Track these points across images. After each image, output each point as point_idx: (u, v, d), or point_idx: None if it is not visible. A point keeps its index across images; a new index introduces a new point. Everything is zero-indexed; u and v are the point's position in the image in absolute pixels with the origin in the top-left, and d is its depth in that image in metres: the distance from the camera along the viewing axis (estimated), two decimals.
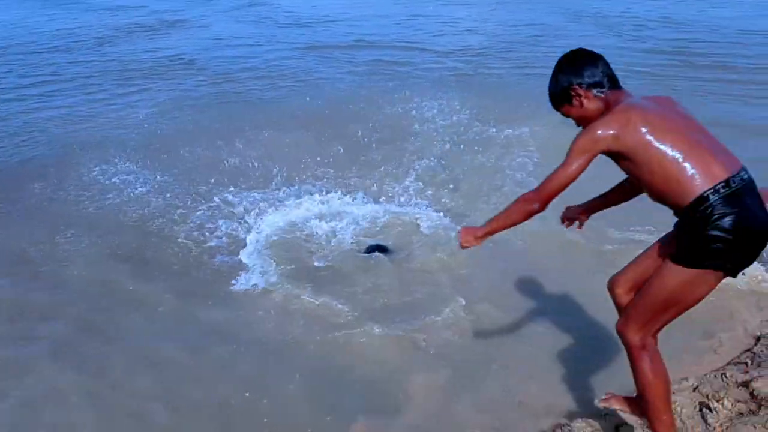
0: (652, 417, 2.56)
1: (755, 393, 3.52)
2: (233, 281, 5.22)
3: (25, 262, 5.68)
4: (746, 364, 3.98)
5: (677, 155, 2.25)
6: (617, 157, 2.44)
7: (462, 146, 8.14)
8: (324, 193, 6.84)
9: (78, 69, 12.81)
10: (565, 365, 4.16)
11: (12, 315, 4.87)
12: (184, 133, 9.04)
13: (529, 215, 2.52)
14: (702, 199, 2.21)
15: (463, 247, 2.68)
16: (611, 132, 2.35)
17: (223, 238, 5.95)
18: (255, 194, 6.88)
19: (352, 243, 5.86)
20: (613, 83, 2.57)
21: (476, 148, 8.15)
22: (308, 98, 10.63)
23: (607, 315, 4.62)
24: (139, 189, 7.06)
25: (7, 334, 4.66)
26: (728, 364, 4.08)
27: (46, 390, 4.05)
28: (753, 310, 4.72)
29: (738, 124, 8.73)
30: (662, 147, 2.26)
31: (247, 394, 3.93)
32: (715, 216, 2.19)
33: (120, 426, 3.78)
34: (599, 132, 2.38)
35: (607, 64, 2.61)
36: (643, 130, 2.30)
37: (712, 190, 2.19)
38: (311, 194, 6.80)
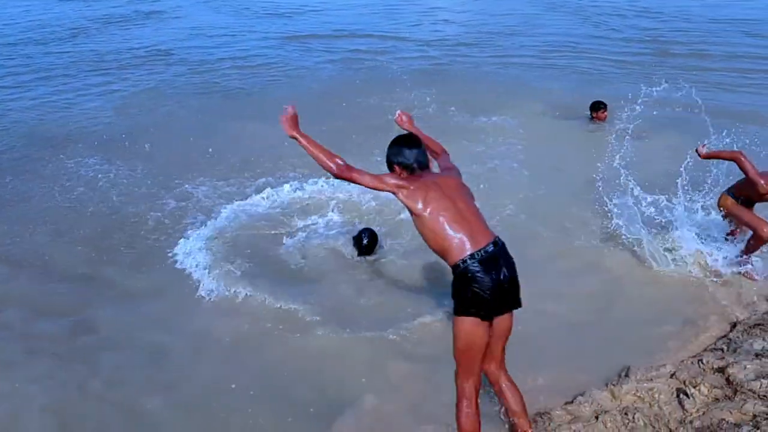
0: None
1: (731, 379, 3.57)
2: (207, 278, 5.09)
3: (3, 256, 5.58)
4: (722, 350, 4.03)
5: (445, 229, 3.01)
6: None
7: (444, 135, 8.09)
8: (303, 184, 6.74)
9: (53, 60, 12.55)
10: (545, 356, 4.17)
11: None
12: (160, 124, 8.92)
13: (326, 169, 3.10)
14: (457, 265, 2.96)
15: (280, 122, 3.18)
16: (404, 190, 3.10)
17: (197, 233, 5.81)
18: (230, 188, 6.78)
19: (336, 232, 5.78)
20: (421, 167, 3.28)
21: (457, 136, 8.12)
22: (288, 89, 10.57)
23: (588, 310, 4.70)
24: (113, 181, 6.97)
25: None
26: (705, 350, 4.14)
27: (37, 385, 4.00)
28: (732, 297, 4.78)
29: (723, 111, 8.75)
30: (433, 222, 3.03)
31: (233, 386, 3.95)
32: (468, 277, 2.93)
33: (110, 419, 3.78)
34: (398, 183, 3.12)
35: (422, 152, 3.32)
36: (419, 206, 3.05)
37: (462, 260, 2.94)
38: (290, 186, 6.70)
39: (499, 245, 3.05)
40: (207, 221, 6.01)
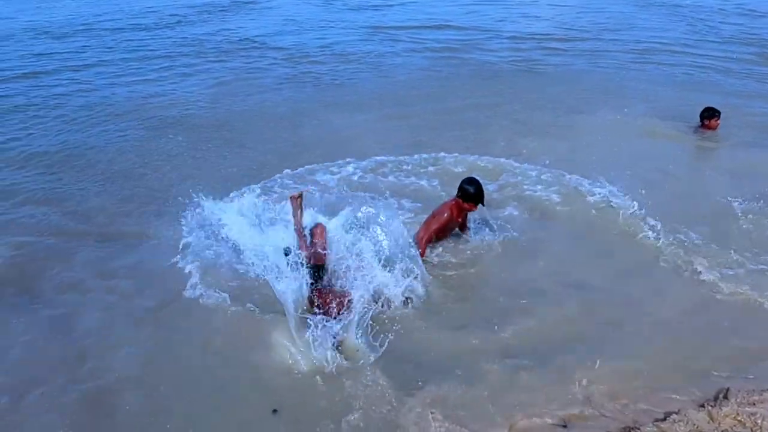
0: None
1: None
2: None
3: (103, 232, 5.92)
4: None
5: None
6: None
7: (534, 132, 7.95)
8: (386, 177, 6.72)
9: (155, 46, 13.24)
10: (636, 367, 4.02)
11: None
12: (252, 111, 9.22)
13: None
14: None
15: None
16: None
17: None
18: (312, 176, 6.77)
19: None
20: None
21: (553, 133, 7.93)
22: (376, 79, 10.66)
23: (684, 323, 4.47)
24: (199, 165, 7.20)
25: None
26: None
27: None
28: None
29: None
30: None
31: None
32: None
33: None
34: None
35: None
36: None
37: None
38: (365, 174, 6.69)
39: None
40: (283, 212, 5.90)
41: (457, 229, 5.43)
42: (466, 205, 5.13)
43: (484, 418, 3.64)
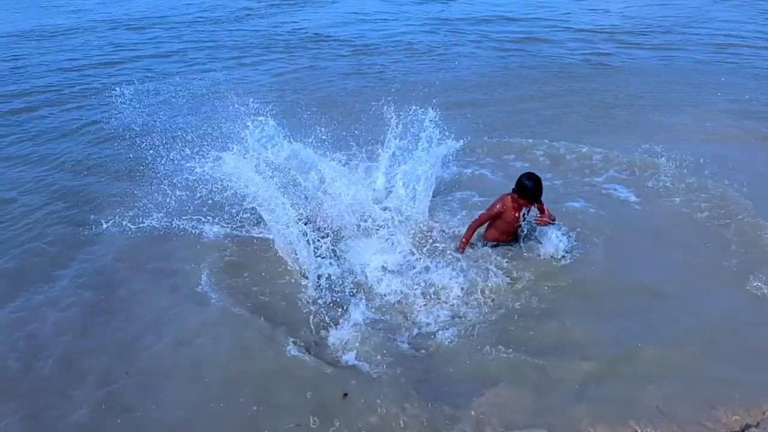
0: None
1: None
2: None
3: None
4: None
5: None
6: None
7: (604, 131, 7.71)
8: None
9: (225, 38, 13.63)
10: (714, 375, 3.85)
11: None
12: (319, 103, 9.30)
13: None
14: None
15: None
16: None
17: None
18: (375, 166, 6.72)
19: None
20: None
21: (618, 131, 7.68)
22: (442, 73, 10.59)
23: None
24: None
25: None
26: None
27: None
28: None
29: None
30: None
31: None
32: None
33: None
34: None
35: None
36: None
37: None
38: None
39: None
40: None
41: (545, 221, 5.11)
42: (521, 201, 4.89)
43: (548, 428, 3.56)
